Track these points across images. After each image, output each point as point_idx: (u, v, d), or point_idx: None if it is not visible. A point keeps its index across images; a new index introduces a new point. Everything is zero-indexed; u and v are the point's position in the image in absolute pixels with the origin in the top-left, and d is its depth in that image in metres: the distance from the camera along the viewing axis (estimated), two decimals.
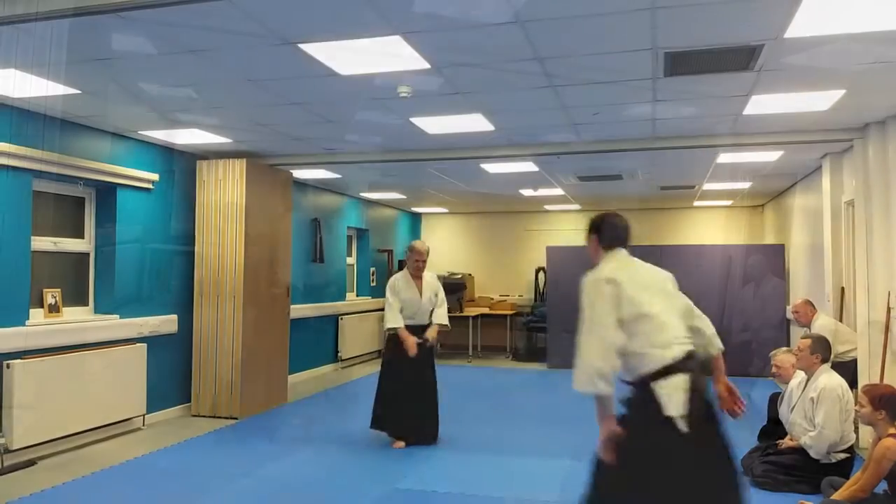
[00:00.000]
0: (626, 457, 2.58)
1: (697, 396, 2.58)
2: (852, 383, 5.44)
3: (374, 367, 10.02)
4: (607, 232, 2.92)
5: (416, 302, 5.58)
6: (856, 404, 3.92)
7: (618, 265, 2.80)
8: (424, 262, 5.72)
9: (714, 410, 2.70)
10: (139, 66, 4.12)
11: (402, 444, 5.45)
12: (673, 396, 2.55)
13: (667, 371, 2.59)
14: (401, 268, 11.92)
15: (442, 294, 5.80)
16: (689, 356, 2.65)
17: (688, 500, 2.52)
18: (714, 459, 2.63)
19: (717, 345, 2.90)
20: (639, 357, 2.62)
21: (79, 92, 4.67)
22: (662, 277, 2.90)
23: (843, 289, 6.54)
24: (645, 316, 2.64)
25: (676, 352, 2.63)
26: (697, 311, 2.91)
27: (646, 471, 2.54)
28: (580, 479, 4.72)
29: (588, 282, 2.72)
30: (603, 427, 2.64)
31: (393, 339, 5.59)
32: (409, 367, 5.46)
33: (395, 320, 5.45)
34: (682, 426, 2.52)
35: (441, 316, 5.64)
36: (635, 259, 2.92)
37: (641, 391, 2.62)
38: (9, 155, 4.93)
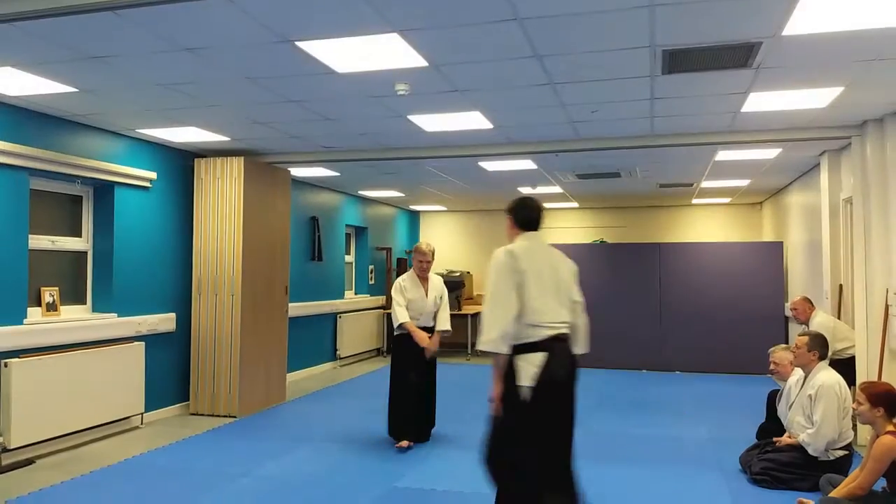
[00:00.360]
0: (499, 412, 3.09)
1: (550, 372, 2.98)
2: (850, 380, 5.46)
3: (373, 366, 10.04)
4: (521, 214, 3.28)
5: (421, 303, 5.52)
6: (854, 402, 3.92)
7: (527, 245, 3.17)
8: (429, 262, 5.62)
9: (569, 388, 3.10)
10: (136, 64, 4.11)
11: (405, 443, 5.42)
12: (527, 369, 2.99)
13: (532, 347, 3.01)
14: (399, 266, 12.01)
15: (446, 297, 5.70)
16: (557, 339, 3.06)
17: (525, 457, 2.97)
18: (555, 430, 3.05)
19: (581, 346, 3.29)
20: (518, 328, 3.02)
21: (76, 90, 4.66)
22: (563, 267, 3.26)
23: (841, 286, 6.55)
24: (530, 294, 3.02)
25: (546, 333, 3.03)
26: (580, 313, 3.30)
27: (504, 426, 3.04)
28: (580, 477, 4.73)
29: (496, 256, 3.09)
30: (496, 384, 3.06)
31: (398, 341, 5.56)
32: (413, 369, 5.44)
33: (402, 315, 5.39)
34: (526, 394, 2.97)
35: (443, 321, 5.55)
36: (545, 244, 3.27)
37: (510, 359, 3.04)
38: (6, 153, 4.92)
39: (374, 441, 5.58)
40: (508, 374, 3.03)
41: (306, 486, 4.45)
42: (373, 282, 11.45)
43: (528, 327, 3.02)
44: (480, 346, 3.04)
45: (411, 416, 5.46)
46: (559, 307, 3.13)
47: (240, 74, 4.32)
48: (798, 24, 3.45)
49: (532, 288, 3.03)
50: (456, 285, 11.17)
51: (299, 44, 3.73)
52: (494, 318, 2.98)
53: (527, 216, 3.27)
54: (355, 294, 11.02)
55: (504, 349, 2.98)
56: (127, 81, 4.47)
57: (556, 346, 3.05)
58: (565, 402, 3.08)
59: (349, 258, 10.99)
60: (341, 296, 10.16)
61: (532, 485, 2.99)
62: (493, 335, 2.97)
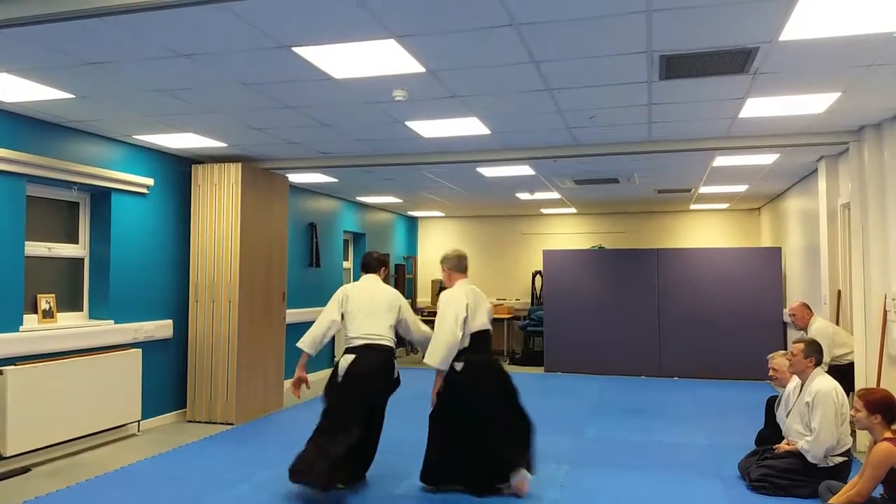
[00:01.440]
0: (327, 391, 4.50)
1: (356, 368, 4.35)
2: (850, 387, 5.44)
3: None
4: (363, 263, 4.81)
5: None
6: (851, 409, 3.91)
7: (360, 283, 4.69)
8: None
9: (374, 379, 4.43)
10: (134, 70, 4.11)
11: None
12: (343, 365, 4.37)
13: (349, 350, 4.43)
14: (397, 272, 11.99)
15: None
16: (367, 347, 4.41)
17: (335, 426, 4.27)
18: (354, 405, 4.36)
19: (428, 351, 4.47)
20: (346, 339, 4.50)
21: (73, 96, 4.65)
22: (384, 298, 4.60)
23: (839, 291, 6.54)
24: (350, 314, 4.49)
25: (359, 342, 4.42)
26: (413, 327, 4.72)
27: (327, 401, 4.45)
28: (576, 484, 4.71)
29: (337, 292, 4.65)
30: (298, 368, 4.62)
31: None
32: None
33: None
34: (337, 381, 4.38)
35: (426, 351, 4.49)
36: (377, 282, 4.69)
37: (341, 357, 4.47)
38: (2, 160, 4.91)
39: None
40: (336, 367, 4.45)
41: (304, 494, 4.43)
42: None
43: (351, 336, 4.45)
44: (299, 343, 4.57)
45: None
46: (375, 324, 4.46)
47: (237, 80, 4.31)
48: (795, 30, 3.45)
49: (355, 311, 4.48)
50: None
51: (296, 50, 3.73)
52: (313, 329, 4.56)
53: (364, 263, 4.79)
54: None
55: (309, 349, 4.54)
56: (124, 87, 4.46)
57: (365, 351, 4.40)
58: (368, 387, 4.39)
59: (347, 264, 10.97)
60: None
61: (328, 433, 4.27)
62: (306, 339, 4.56)
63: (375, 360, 4.40)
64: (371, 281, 4.69)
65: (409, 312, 4.68)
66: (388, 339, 4.50)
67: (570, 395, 8.17)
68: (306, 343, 4.53)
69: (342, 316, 4.52)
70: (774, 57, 3.87)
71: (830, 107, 4.95)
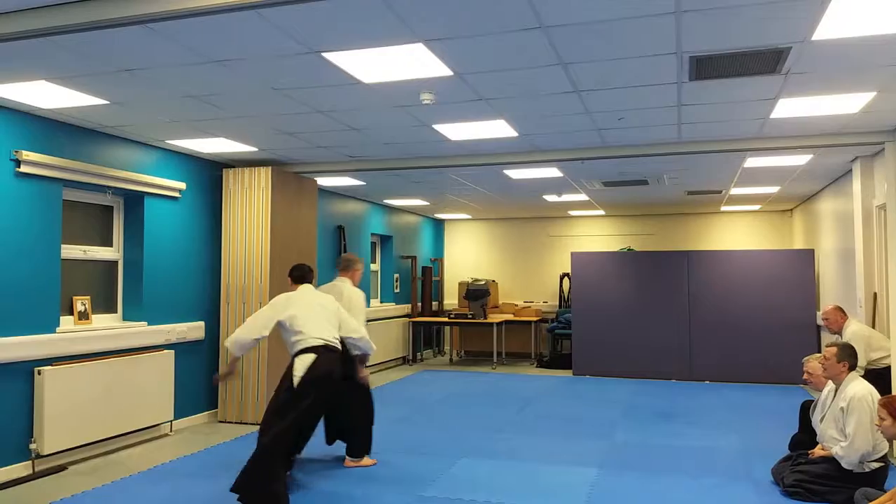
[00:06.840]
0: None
1: (315, 367, 4.29)
2: (887, 391, 5.33)
3: (399, 374, 10.05)
4: (294, 275, 4.81)
5: None
6: (876, 419, 3.81)
7: (296, 294, 4.64)
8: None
9: (329, 379, 4.39)
10: (167, 77, 4.18)
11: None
12: (300, 366, 4.30)
13: (304, 351, 4.35)
14: (424, 274, 12.01)
15: None
16: (324, 347, 4.38)
17: (283, 414, 4.30)
18: (310, 405, 4.37)
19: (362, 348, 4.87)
20: (291, 343, 4.45)
21: (108, 102, 4.75)
22: (327, 303, 4.66)
23: (875, 294, 6.41)
24: (294, 318, 4.43)
25: (312, 343, 4.37)
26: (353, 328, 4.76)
27: (278, 399, 4.42)
28: (606, 488, 4.69)
29: (276, 297, 4.62)
30: (229, 365, 4.62)
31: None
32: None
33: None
34: (297, 381, 4.28)
35: None
36: (311, 291, 4.72)
37: (292, 358, 4.40)
38: (40, 165, 5.03)
39: (401, 450, 5.57)
40: (289, 367, 4.38)
41: (332, 495, 4.46)
42: (398, 290, 11.47)
43: (299, 340, 4.38)
44: (227, 343, 4.49)
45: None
46: (326, 326, 4.49)
47: (267, 85, 4.37)
48: (828, 29, 3.40)
49: (298, 317, 4.42)
50: (481, 294, 11.15)
51: (326, 55, 3.77)
52: (241, 331, 4.43)
53: (297, 275, 4.79)
54: (381, 303, 11.05)
55: (235, 351, 4.43)
56: (157, 94, 4.55)
57: (322, 350, 4.37)
58: (324, 389, 4.37)
59: (374, 266, 11.03)
60: (367, 304, 10.18)
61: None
62: (232, 338, 4.43)
63: (330, 361, 4.43)
64: (308, 291, 4.73)
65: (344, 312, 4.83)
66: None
67: (600, 398, 8.12)
68: (234, 346, 4.47)
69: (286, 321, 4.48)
70: (807, 57, 3.82)
71: (865, 106, 4.86)
